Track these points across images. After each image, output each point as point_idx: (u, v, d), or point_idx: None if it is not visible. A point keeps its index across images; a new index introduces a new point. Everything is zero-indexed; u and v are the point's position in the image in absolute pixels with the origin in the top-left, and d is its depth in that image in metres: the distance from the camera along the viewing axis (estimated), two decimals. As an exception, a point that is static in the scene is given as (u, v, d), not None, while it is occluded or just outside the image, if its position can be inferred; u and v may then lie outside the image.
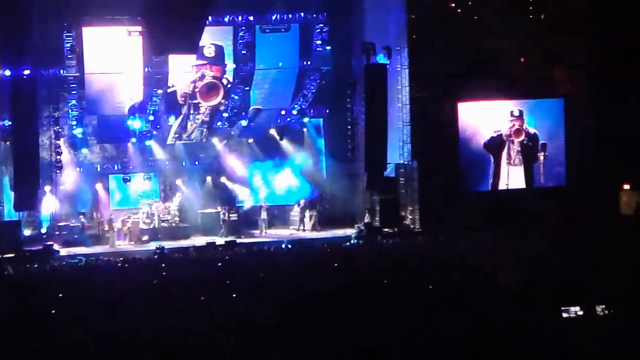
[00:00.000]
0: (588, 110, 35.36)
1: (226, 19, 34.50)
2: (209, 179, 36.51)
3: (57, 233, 33.71)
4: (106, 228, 34.04)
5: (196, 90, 34.75)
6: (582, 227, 31.10)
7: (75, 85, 33.64)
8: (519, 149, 35.59)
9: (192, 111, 35.13)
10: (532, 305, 19.05)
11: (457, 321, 17.69)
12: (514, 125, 35.25)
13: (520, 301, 19.48)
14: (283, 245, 32.12)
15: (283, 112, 36.50)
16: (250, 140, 36.99)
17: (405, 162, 34.89)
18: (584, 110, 35.45)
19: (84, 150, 35.04)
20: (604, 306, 18.51)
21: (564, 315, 18.49)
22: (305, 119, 37.00)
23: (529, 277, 22.20)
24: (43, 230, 34.11)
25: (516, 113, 35.30)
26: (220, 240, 33.43)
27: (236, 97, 35.47)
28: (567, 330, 17.82)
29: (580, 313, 18.50)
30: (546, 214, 32.98)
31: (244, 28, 34.71)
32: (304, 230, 35.64)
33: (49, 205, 34.03)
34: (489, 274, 22.59)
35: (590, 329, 17.94)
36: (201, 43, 31.62)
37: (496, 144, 35.43)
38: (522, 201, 34.49)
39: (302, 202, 36.14)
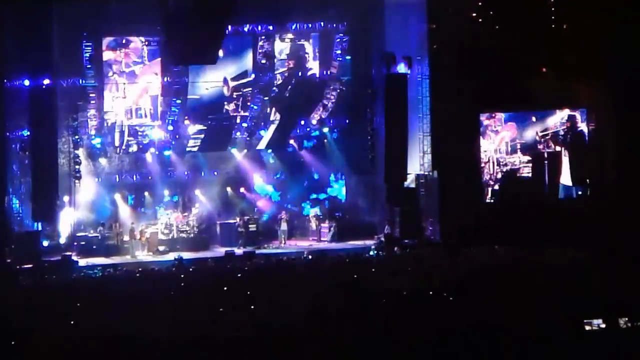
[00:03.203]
0: (610, 120, 35.03)
1: (246, 29, 34.47)
2: (228, 189, 36.40)
3: (75, 243, 33.63)
4: (125, 238, 33.96)
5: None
6: (605, 239, 30.84)
7: (94, 95, 33.67)
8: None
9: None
10: (553, 317, 18.87)
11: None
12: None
13: (540, 312, 19.31)
14: (302, 257, 32.02)
15: (302, 122, 36.42)
16: (269, 151, 36.86)
17: (426, 173, 34.69)
18: (607, 121, 35.13)
19: (103, 160, 34.98)
20: (626, 319, 18.30)
21: (586, 328, 18.27)
22: (325, 129, 36.85)
23: (550, 289, 22.06)
24: (62, 241, 34.01)
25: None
26: (239, 251, 33.31)
27: (255, 107, 35.44)
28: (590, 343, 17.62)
29: (603, 326, 18.27)
30: (570, 225, 32.69)
31: (263, 38, 34.70)
32: (323, 241, 35.45)
33: (68, 215, 33.95)
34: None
35: (612, 343, 17.73)
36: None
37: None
38: (544, 212, 34.14)
39: (319, 212, 35.96)
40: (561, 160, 35.07)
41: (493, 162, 34.61)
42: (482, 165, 34.33)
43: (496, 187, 34.55)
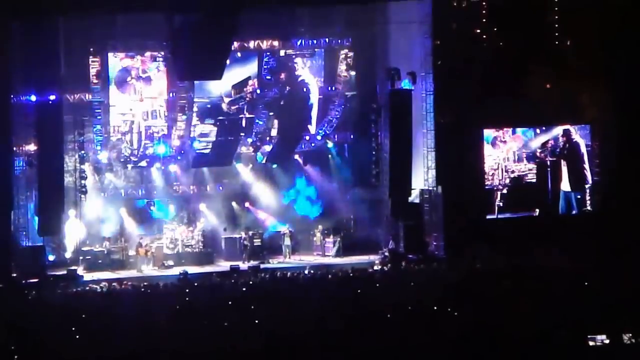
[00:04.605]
0: (615, 135, 35.12)
1: (251, 45, 34.65)
2: (233, 204, 36.47)
3: (81, 258, 33.71)
4: (130, 253, 34.07)
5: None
6: (609, 254, 30.93)
7: (100, 110, 33.92)
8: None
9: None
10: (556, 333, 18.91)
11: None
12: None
13: (543, 330, 19.35)
14: (306, 271, 32.10)
15: (307, 138, 36.56)
16: (275, 166, 36.94)
17: (430, 188, 34.72)
18: (611, 136, 35.22)
19: (109, 175, 35.11)
20: (630, 334, 18.35)
21: (590, 343, 18.33)
22: (330, 144, 36.95)
23: (554, 305, 22.09)
24: (67, 255, 34.08)
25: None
26: (243, 266, 33.39)
27: (260, 122, 35.61)
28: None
29: (607, 341, 18.33)
30: (572, 241, 32.81)
31: (268, 54, 34.89)
32: (327, 256, 35.50)
33: (73, 230, 34.03)
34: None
35: (617, 358, 17.79)
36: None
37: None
38: (548, 227, 34.25)
39: (322, 227, 36.04)
40: (561, 168, 35.36)
41: (502, 169, 34.94)
42: (492, 172, 34.72)
43: (504, 191, 34.84)
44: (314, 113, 36.24)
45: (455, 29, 34.20)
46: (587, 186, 35.44)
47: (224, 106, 35.20)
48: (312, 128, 36.47)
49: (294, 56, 35.34)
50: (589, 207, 35.58)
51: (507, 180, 34.90)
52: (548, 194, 35.16)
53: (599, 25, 34.21)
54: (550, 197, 35.22)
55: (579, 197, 35.50)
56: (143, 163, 35.15)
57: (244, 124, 35.66)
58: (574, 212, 35.43)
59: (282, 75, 35.40)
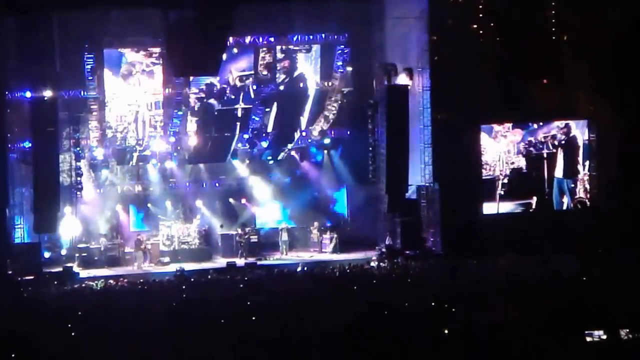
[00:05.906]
0: (612, 131, 35.09)
1: (247, 40, 34.63)
2: (230, 200, 36.44)
3: (77, 255, 33.69)
4: (127, 250, 34.10)
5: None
6: (607, 250, 30.91)
7: (95, 107, 33.87)
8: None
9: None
10: (554, 329, 18.86)
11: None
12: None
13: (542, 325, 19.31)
14: (306, 268, 32.08)
15: (304, 134, 36.52)
16: (271, 162, 36.92)
17: (427, 184, 34.71)
18: (608, 132, 35.20)
19: (105, 172, 35.09)
20: (627, 330, 18.32)
21: (588, 339, 18.29)
22: (326, 140, 36.91)
23: (552, 301, 22.07)
24: (63, 252, 34.10)
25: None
26: (240, 262, 33.36)
27: (257, 119, 35.59)
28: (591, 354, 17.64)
29: (604, 337, 18.29)
30: (569, 237, 32.81)
31: (265, 49, 34.86)
32: (324, 252, 35.47)
33: (69, 227, 34.01)
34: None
35: (614, 354, 17.76)
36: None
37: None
38: (545, 223, 34.24)
39: (318, 224, 35.99)
40: (556, 157, 35.46)
41: (502, 161, 35.08)
42: (495, 163, 34.97)
43: (505, 181, 34.97)
44: (308, 106, 36.27)
45: (451, 25, 34.16)
46: (579, 176, 35.50)
47: (220, 102, 35.29)
48: (304, 121, 36.47)
49: (293, 51, 35.42)
50: (582, 196, 35.63)
51: (508, 171, 35.10)
52: (544, 183, 35.38)
53: (596, 19, 34.17)
54: (546, 186, 35.45)
55: (572, 186, 35.56)
56: (147, 152, 35.19)
57: (239, 120, 35.68)
58: (565, 199, 35.47)
59: (280, 69, 35.44)
